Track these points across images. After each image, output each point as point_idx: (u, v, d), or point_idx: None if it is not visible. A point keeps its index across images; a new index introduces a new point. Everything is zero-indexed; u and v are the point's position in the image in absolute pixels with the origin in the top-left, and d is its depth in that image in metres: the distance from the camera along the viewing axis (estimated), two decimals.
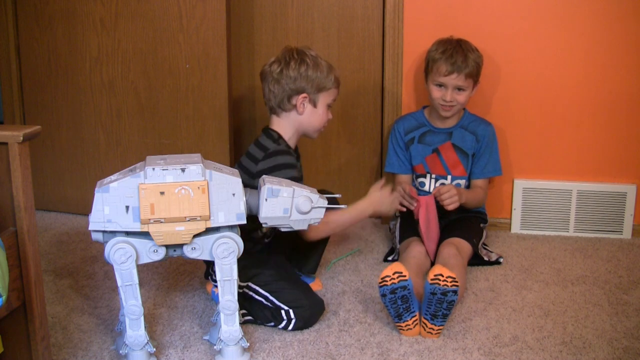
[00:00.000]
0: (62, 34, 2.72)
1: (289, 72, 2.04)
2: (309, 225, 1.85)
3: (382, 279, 1.86)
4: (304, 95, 2.06)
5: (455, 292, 1.81)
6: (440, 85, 2.39)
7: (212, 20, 2.54)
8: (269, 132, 2.09)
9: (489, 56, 2.53)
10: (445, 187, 2.31)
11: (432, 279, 1.82)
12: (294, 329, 1.94)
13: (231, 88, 2.63)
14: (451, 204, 2.30)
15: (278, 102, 2.07)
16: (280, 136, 2.08)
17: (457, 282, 1.80)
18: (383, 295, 1.87)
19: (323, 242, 2.20)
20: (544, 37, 2.57)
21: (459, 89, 2.37)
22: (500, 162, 2.51)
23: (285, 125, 2.10)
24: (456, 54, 2.35)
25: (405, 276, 1.84)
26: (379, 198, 2.13)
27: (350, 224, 2.19)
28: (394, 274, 1.85)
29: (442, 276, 1.80)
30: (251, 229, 2.04)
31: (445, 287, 1.80)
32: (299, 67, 2.04)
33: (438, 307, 1.83)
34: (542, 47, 2.57)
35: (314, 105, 2.08)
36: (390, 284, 1.84)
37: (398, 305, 1.87)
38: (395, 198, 2.19)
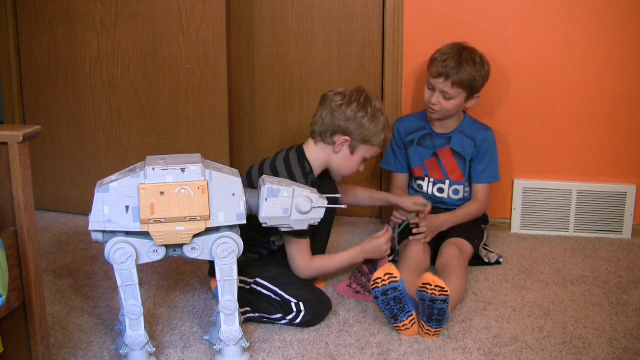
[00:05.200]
0: (62, 34, 2.72)
1: (346, 111, 2.03)
2: (298, 267, 1.98)
3: (373, 281, 1.86)
4: (347, 138, 2.04)
5: (444, 300, 1.80)
6: (430, 87, 2.37)
7: (212, 20, 2.54)
8: (303, 161, 2.06)
9: (488, 56, 2.53)
10: (421, 229, 2.27)
11: (420, 287, 1.82)
12: (301, 322, 1.94)
13: (231, 88, 2.63)
14: (422, 238, 2.27)
15: (321, 131, 2.06)
16: (311, 170, 2.06)
17: (446, 291, 1.79)
18: (376, 298, 1.87)
19: (327, 227, 2.19)
20: (544, 37, 2.57)
21: (445, 95, 2.34)
22: (498, 168, 2.49)
23: (318, 155, 2.08)
24: (451, 59, 2.31)
25: (395, 277, 1.84)
26: (373, 248, 2.13)
27: (339, 268, 2.16)
28: (384, 275, 1.85)
29: (430, 285, 1.80)
30: (265, 241, 2.05)
31: (434, 295, 1.80)
32: (358, 111, 2.03)
33: (430, 311, 1.84)
34: (542, 47, 2.57)
35: (352, 152, 2.07)
36: (382, 286, 1.84)
37: (392, 306, 1.87)
38: (387, 246, 2.14)
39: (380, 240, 2.12)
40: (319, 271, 2.09)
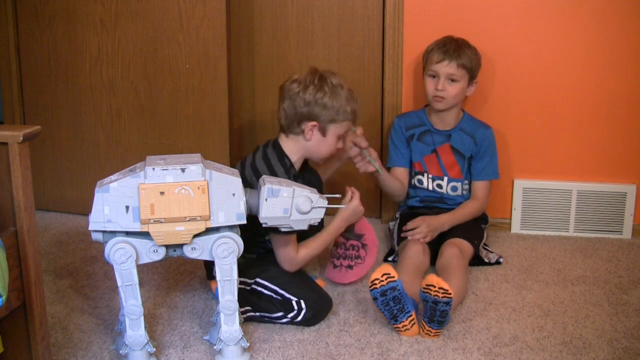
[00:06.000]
0: (62, 34, 2.72)
1: (305, 96, 1.99)
2: (286, 262, 1.98)
3: (371, 282, 1.86)
4: (314, 123, 2.00)
5: (447, 303, 1.80)
6: (433, 76, 2.40)
7: (212, 20, 2.54)
8: (283, 157, 2.04)
9: (488, 56, 2.54)
10: (418, 230, 2.30)
11: (424, 288, 1.82)
12: (303, 320, 1.94)
13: (231, 88, 2.64)
14: (420, 238, 2.30)
15: (288, 124, 2.03)
16: (292, 164, 2.04)
17: (449, 293, 1.79)
18: (374, 299, 1.87)
19: (321, 225, 2.19)
20: (544, 36, 2.57)
21: (452, 79, 2.37)
22: (498, 165, 2.51)
23: (293, 148, 2.05)
24: (449, 44, 2.39)
25: (393, 277, 1.84)
26: (350, 212, 2.13)
27: (325, 246, 2.14)
28: (382, 275, 1.84)
29: (434, 287, 1.80)
30: (261, 240, 2.05)
31: (436, 297, 1.80)
32: (316, 93, 1.98)
33: (432, 312, 1.84)
34: (542, 46, 2.57)
35: (323, 134, 2.03)
36: (380, 287, 1.84)
37: (391, 306, 1.87)
38: (362, 206, 2.15)
39: (354, 203, 2.13)
40: (306, 259, 2.05)
